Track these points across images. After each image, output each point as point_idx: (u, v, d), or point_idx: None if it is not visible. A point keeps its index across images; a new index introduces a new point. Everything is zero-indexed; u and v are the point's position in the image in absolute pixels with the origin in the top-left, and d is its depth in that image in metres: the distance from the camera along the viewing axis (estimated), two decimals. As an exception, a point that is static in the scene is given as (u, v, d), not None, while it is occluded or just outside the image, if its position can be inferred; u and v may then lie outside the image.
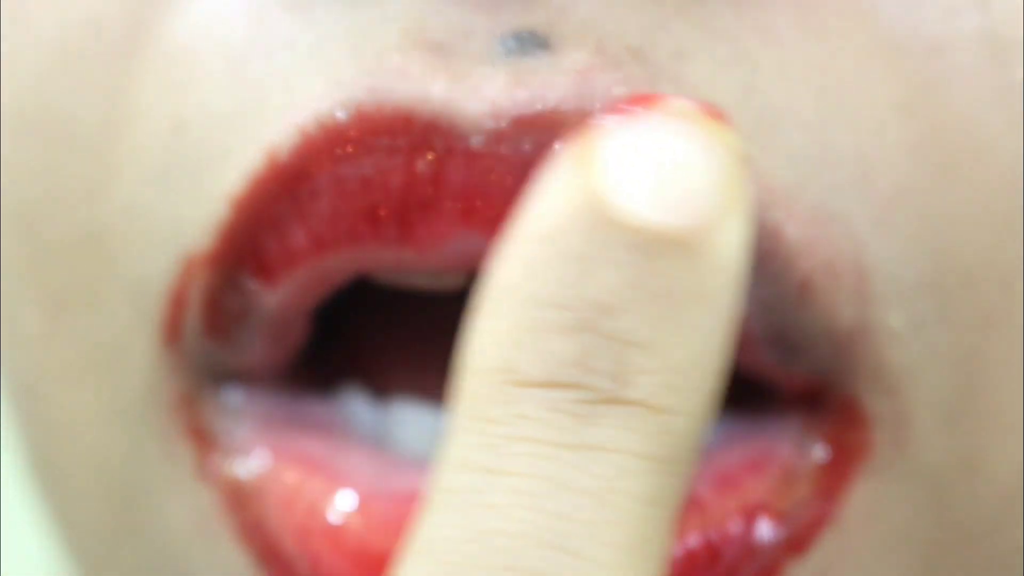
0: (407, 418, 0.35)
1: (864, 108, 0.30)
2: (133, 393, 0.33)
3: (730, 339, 0.27)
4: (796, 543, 0.31)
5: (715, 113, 0.27)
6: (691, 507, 0.31)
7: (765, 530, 0.31)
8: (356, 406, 0.35)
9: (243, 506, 0.32)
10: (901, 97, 0.30)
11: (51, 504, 0.38)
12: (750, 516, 0.31)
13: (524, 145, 0.29)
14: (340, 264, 0.31)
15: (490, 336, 0.26)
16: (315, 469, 0.32)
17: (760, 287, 0.30)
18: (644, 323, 0.26)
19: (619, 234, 0.26)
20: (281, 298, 0.32)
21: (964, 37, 0.30)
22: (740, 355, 0.31)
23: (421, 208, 0.30)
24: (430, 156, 0.29)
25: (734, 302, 0.27)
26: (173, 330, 0.32)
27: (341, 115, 0.30)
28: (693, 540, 0.31)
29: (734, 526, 0.31)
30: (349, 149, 0.30)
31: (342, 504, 0.32)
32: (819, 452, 0.32)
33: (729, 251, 0.26)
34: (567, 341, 0.26)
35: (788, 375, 0.31)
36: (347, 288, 0.32)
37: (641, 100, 0.27)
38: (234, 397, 0.33)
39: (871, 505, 0.32)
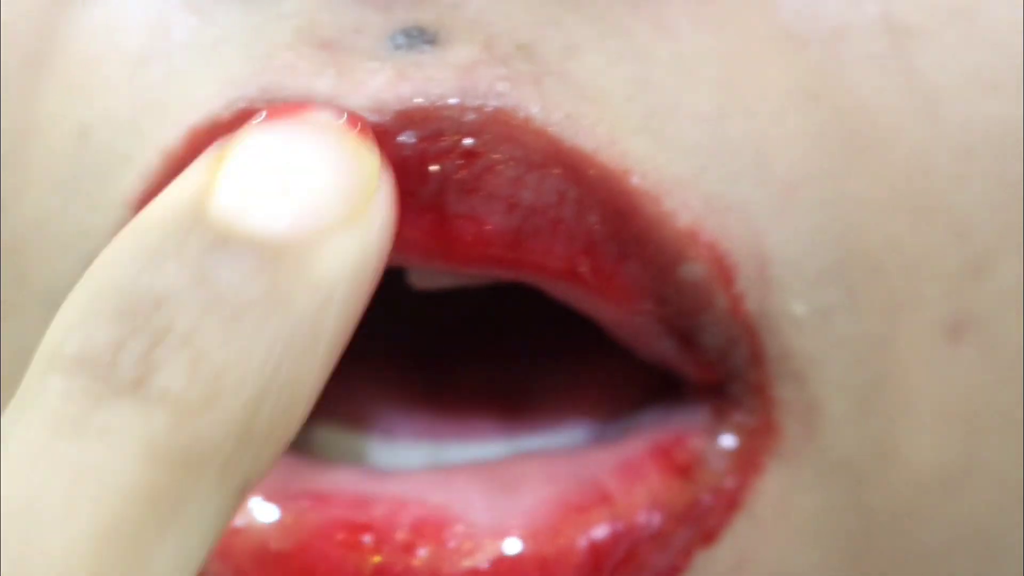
0: (321, 436, 0.35)
1: (762, 97, 0.30)
2: None
3: (318, 357, 0.26)
4: (706, 533, 0.31)
5: (359, 126, 0.27)
6: (597, 498, 0.31)
7: (673, 521, 0.31)
8: None
9: None
10: (801, 84, 0.30)
11: None
12: (657, 507, 0.31)
13: (407, 139, 0.29)
14: None
15: (59, 315, 0.26)
16: None
17: (651, 279, 0.30)
18: (189, 319, 0.25)
19: (200, 232, 0.26)
20: None
21: (865, 24, 0.30)
22: (637, 344, 0.32)
23: None
24: None
25: (327, 320, 0.26)
26: None
27: (230, 114, 0.30)
28: (601, 532, 0.31)
29: (642, 518, 0.31)
30: None
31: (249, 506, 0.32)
32: (728, 440, 0.32)
33: (330, 268, 0.26)
34: (109, 326, 0.25)
35: (690, 363, 0.31)
36: None
37: (288, 109, 0.28)
38: None
39: (782, 493, 0.32)
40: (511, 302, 0.36)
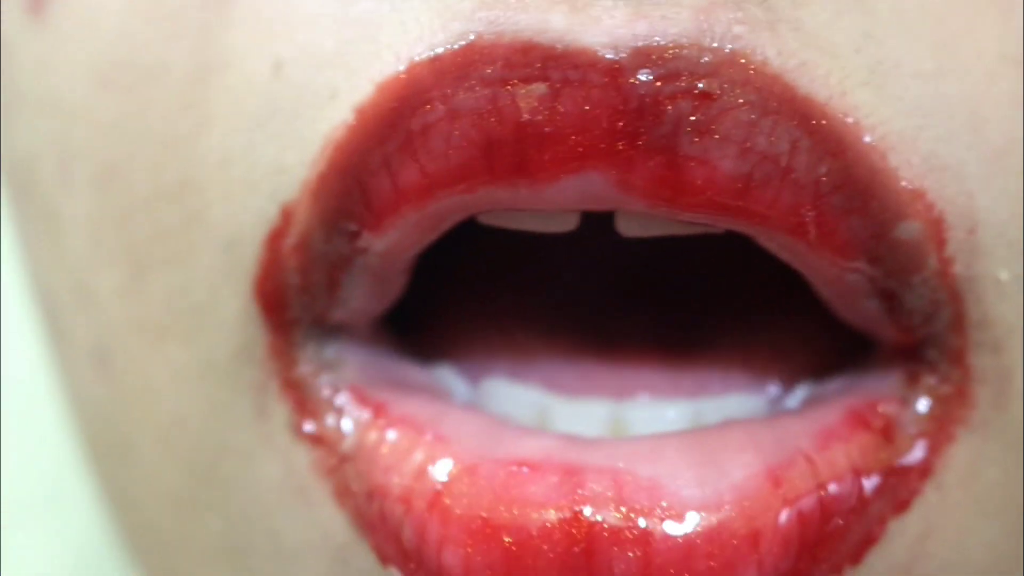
0: (500, 392, 0.34)
1: (975, 59, 0.30)
2: (222, 348, 0.32)
3: None
4: (899, 502, 0.31)
5: None
6: (802, 468, 0.31)
7: (871, 490, 0.31)
8: (449, 378, 0.34)
9: (342, 467, 0.32)
10: (1010, 49, 0.30)
11: (111, 483, 0.37)
12: (857, 476, 0.31)
13: (643, 78, 0.29)
14: (452, 204, 0.30)
15: None
16: (420, 431, 0.31)
17: (870, 236, 0.30)
18: None
19: None
20: (388, 243, 0.31)
21: None
22: (841, 303, 0.31)
23: (536, 141, 0.29)
24: (546, 87, 0.29)
25: None
26: (268, 280, 0.32)
27: (457, 47, 0.29)
28: (806, 503, 0.30)
29: (844, 487, 0.31)
30: (465, 81, 0.29)
31: (448, 469, 0.31)
32: (922, 406, 0.31)
33: None
34: None
35: (891, 325, 0.31)
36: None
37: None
38: (331, 352, 0.32)
39: (969, 464, 0.31)
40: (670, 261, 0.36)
